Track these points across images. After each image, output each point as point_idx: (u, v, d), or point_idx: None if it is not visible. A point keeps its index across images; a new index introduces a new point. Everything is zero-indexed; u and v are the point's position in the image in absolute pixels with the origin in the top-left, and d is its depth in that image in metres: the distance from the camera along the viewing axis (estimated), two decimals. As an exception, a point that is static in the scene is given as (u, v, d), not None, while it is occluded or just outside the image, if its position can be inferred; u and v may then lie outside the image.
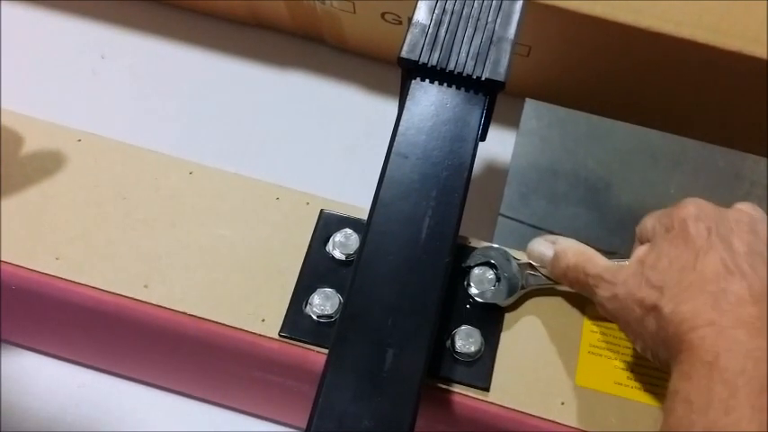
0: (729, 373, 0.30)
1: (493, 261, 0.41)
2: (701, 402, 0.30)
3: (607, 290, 0.36)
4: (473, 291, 0.40)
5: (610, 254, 0.38)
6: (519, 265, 0.41)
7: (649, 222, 0.37)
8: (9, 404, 0.52)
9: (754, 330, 0.31)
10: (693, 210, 0.35)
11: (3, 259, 0.41)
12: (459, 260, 0.41)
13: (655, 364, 0.35)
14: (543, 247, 0.40)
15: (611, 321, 0.39)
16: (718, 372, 0.30)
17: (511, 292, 0.40)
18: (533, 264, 0.41)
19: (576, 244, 0.39)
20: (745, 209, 0.36)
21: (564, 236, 0.42)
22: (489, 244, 0.42)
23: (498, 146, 0.60)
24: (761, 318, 0.31)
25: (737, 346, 0.30)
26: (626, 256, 0.38)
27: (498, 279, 0.41)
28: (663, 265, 0.34)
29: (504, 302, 0.40)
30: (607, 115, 0.55)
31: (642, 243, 0.37)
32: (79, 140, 0.45)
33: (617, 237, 0.52)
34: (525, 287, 0.41)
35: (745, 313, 0.31)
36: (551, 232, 0.52)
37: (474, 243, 0.42)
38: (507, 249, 0.42)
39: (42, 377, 0.53)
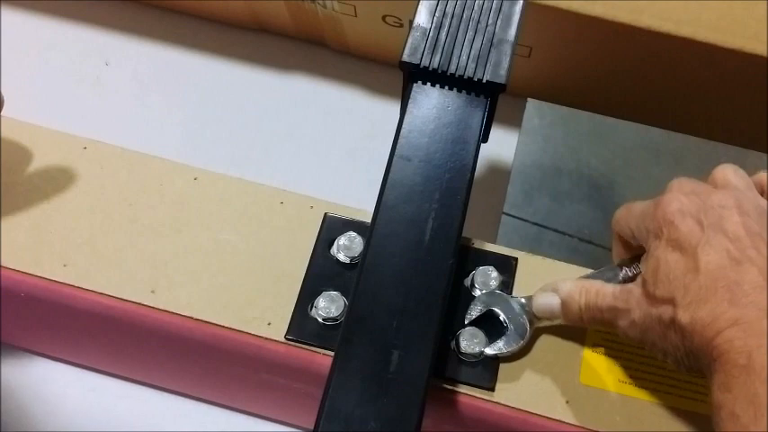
0: None
1: (495, 309, 0.39)
2: (748, 415, 0.28)
3: (625, 318, 0.34)
4: (487, 351, 0.39)
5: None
6: (521, 304, 0.39)
7: (632, 223, 0.35)
8: (20, 409, 0.53)
9: None
10: (676, 205, 0.33)
11: (10, 266, 0.41)
12: (462, 261, 0.41)
13: (693, 377, 0.33)
14: (547, 298, 0.38)
15: (640, 347, 0.37)
16: (756, 373, 0.28)
17: (520, 336, 0.39)
18: (543, 318, 0.39)
19: (577, 282, 0.37)
20: (728, 183, 0.34)
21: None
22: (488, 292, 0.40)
23: (501, 146, 0.60)
24: None
25: None
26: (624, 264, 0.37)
27: (505, 328, 0.39)
28: (664, 275, 0.32)
29: (518, 349, 0.39)
30: (609, 114, 0.55)
31: (622, 242, 0.36)
32: (85, 148, 0.45)
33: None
34: (533, 324, 0.39)
35: (765, 300, 0.29)
36: (555, 230, 0.52)
37: (477, 244, 0.43)
38: (503, 294, 0.40)
39: (52, 382, 0.54)
